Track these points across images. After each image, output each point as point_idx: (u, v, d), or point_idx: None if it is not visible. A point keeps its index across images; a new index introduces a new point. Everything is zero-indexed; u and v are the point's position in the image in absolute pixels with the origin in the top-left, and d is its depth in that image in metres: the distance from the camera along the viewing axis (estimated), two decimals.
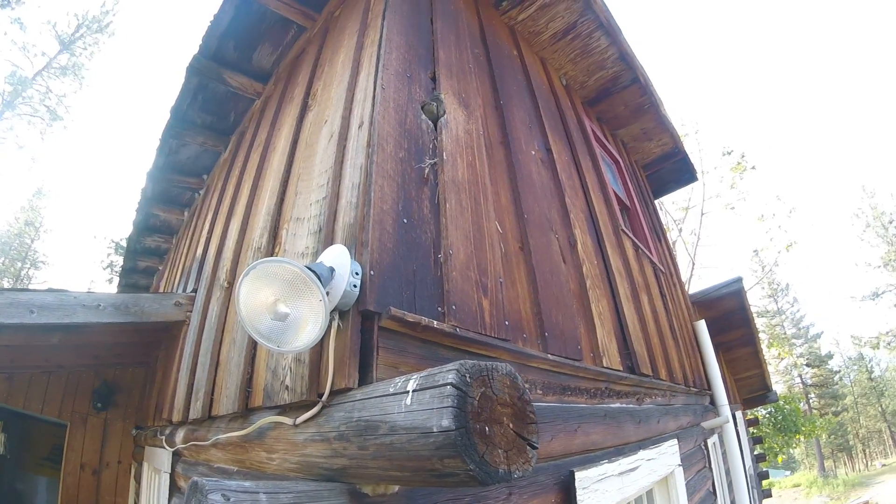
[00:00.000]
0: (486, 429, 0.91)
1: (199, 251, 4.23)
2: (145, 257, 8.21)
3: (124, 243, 19.17)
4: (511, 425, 0.96)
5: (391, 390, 1.09)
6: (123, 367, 6.27)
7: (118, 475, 5.99)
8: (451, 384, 0.91)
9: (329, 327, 1.35)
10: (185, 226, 6.50)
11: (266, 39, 3.87)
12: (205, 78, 4.10)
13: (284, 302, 1.23)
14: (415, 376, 1.04)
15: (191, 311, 3.68)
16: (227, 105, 4.59)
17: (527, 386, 1.05)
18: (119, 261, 20.36)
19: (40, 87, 29.52)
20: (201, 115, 4.73)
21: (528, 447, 0.98)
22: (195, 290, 3.82)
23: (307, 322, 1.21)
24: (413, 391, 1.00)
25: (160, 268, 8.34)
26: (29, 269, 35.87)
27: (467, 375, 0.93)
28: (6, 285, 33.18)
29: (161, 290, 7.22)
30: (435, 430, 0.90)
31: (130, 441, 6.07)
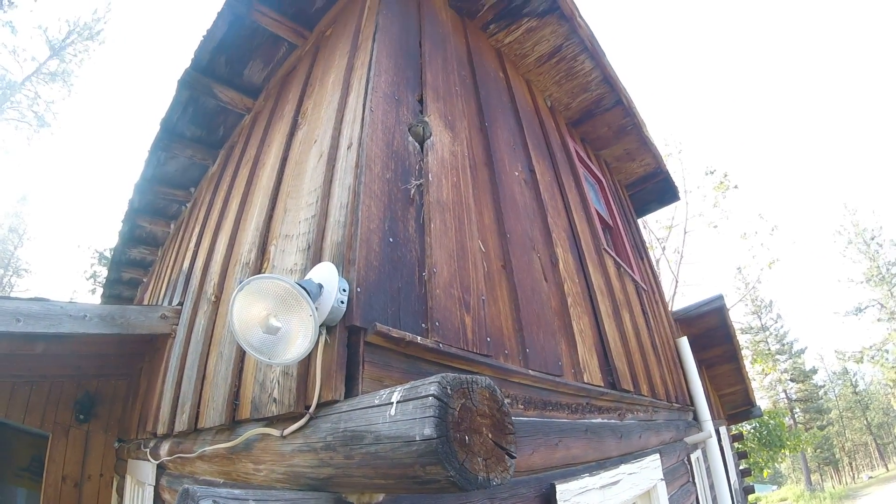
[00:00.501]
0: (466, 438, 0.97)
1: (186, 264, 4.25)
2: (130, 268, 8.18)
3: (108, 254, 19.03)
4: (490, 435, 1.02)
5: (376, 402, 1.14)
6: (106, 379, 6.23)
7: (100, 488, 5.92)
8: (433, 395, 0.97)
9: (317, 342, 1.40)
10: (172, 238, 6.51)
11: (257, 55, 3.93)
12: (195, 91, 4.15)
13: (276, 316, 1.29)
14: (399, 388, 1.10)
15: (177, 324, 3.70)
16: (217, 119, 4.65)
17: (507, 400, 1.11)
18: (102, 271, 20.09)
19: (29, 91, 29.41)
20: (191, 129, 4.78)
21: (506, 456, 1.03)
22: (181, 303, 3.84)
23: (297, 336, 1.27)
24: (397, 402, 1.06)
25: (145, 279, 8.31)
26: (11, 276, 35.38)
27: (448, 388, 0.99)
28: None
29: (146, 302, 7.20)
30: (418, 438, 0.96)
31: (112, 453, 6.02)
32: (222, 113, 4.52)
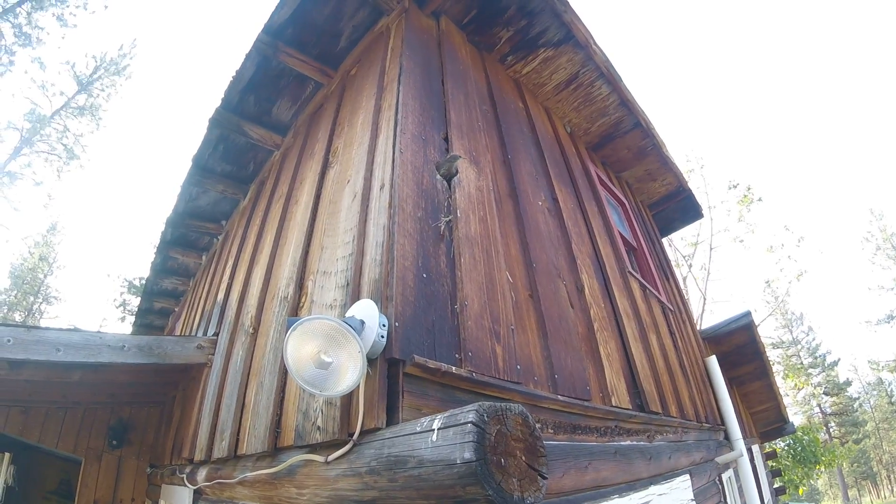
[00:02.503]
0: (502, 460, 1.06)
1: (221, 296, 4.39)
2: (162, 298, 8.41)
3: (138, 283, 19.49)
4: (523, 458, 1.11)
5: (418, 429, 1.24)
6: (139, 406, 6.37)
7: None
8: (471, 422, 1.06)
9: None
10: (204, 269, 6.69)
11: (285, 94, 4.10)
12: (226, 130, 4.33)
13: (326, 353, 1.41)
14: (439, 416, 1.19)
15: (213, 355, 3.81)
16: (247, 155, 4.83)
17: (538, 425, 1.20)
18: (132, 300, 20.55)
19: (58, 125, 30.10)
20: (221, 165, 4.97)
21: (538, 477, 1.12)
22: (217, 334, 3.96)
23: (347, 369, 1.38)
24: (438, 429, 1.16)
25: (176, 309, 8.52)
26: (41, 303, 36.09)
27: (485, 415, 1.08)
28: (18, 319, 33.40)
29: (177, 331, 7.38)
30: (458, 461, 1.05)
31: (144, 479, 6.13)
32: (252, 149, 4.70)
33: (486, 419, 1.08)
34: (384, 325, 1.56)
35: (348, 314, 1.66)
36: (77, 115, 30.83)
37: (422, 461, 1.17)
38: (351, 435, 1.50)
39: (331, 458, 1.55)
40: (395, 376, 1.55)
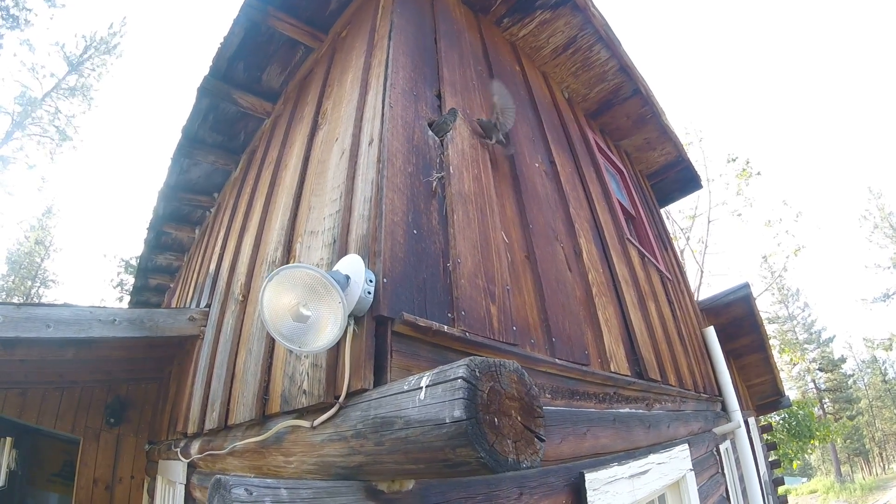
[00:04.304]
0: (496, 420, 0.96)
1: (212, 267, 4.31)
2: (156, 275, 8.34)
3: (134, 262, 19.39)
4: (519, 418, 1.02)
5: (405, 388, 1.15)
6: (136, 383, 6.35)
7: (131, 490, 6.03)
8: (461, 378, 0.97)
9: (345, 332, 1.42)
10: (197, 243, 6.61)
11: (275, 60, 3.98)
12: (215, 98, 4.21)
13: (305, 305, 1.32)
14: (428, 374, 1.10)
15: (205, 326, 3.75)
16: (238, 124, 4.70)
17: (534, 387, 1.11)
18: (129, 279, 20.47)
19: (49, 107, 29.77)
20: (212, 135, 4.85)
21: (535, 439, 1.02)
22: (209, 305, 3.89)
23: (327, 323, 1.29)
24: (426, 387, 1.07)
25: (171, 285, 8.46)
26: (39, 287, 36.01)
27: (477, 370, 0.99)
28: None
29: (173, 305, 7.31)
30: (447, 420, 0.96)
31: (143, 456, 6.12)
32: (242, 118, 4.57)
33: (478, 375, 0.98)
34: (371, 281, 1.47)
35: (333, 270, 1.57)
36: (68, 97, 30.45)
37: (409, 422, 1.09)
38: (337, 398, 1.42)
39: (316, 422, 1.47)
40: (383, 335, 1.47)
